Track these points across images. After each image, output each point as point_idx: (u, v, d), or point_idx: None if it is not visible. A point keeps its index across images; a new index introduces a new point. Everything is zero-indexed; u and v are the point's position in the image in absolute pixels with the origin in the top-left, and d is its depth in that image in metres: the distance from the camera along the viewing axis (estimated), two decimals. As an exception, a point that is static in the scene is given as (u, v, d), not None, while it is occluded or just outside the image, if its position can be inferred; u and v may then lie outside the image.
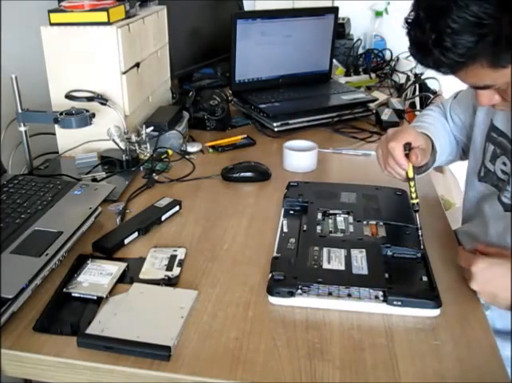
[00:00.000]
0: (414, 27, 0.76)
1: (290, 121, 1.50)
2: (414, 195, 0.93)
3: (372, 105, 1.63)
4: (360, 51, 2.17)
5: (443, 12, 0.70)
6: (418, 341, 0.74)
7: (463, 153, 1.17)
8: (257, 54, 1.64)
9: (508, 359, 0.73)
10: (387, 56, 2.07)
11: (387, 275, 0.83)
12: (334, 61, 1.88)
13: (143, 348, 0.70)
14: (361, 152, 1.36)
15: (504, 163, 0.98)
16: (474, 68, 0.74)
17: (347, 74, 1.94)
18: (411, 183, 0.94)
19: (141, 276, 0.87)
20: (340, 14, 1.82)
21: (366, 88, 1.87)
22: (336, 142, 1.44)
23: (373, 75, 1.96)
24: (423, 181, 1.18)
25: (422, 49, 0.75)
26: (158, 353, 0.70)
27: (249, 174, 1.21)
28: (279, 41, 1.67)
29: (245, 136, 1.45)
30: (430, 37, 0.72)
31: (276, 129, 1.48)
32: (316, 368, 0.69)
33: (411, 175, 0.95)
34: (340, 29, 2.10)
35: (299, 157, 1.27)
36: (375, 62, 2.07)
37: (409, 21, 0.77)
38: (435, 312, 0.78)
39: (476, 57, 0.72)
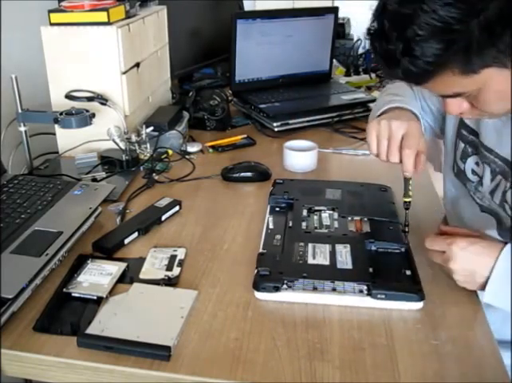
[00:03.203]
0: (379, 38, 0.72)
1: (290, 121, 1.50)
2: (409, 194, 0.93)
3: (372, 105, 1.63)
4: (360, 51, 2.16)
5: (409, 19, 0.67)
6: (418, 341, 0.74)
7: (425, 132, 1.12)
8: (258, 54, 1.64)
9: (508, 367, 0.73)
10: (388, 56, 2.07)
11: (371, 270, 0.84)
12: (334, 61, 1.88)
13: (143, 348, 0.70)
14: (361, 152, 1.36)
15: (477, 164, 0.97)
16: (445, 75, 0.71)
17: (347, 74, 1.94)
18: (410, 183, 0.93)
19: (141, 276, 0.87)
20: (340, 14, 1.82)
21: (366, 88, 1.87)
22: (336, 142, 1.44)
23: (373, 75, 1.96)
24: (423, 181, 1.18)
25: (389, 60, 0.72)
26: (158, 353, 0.70)
27: (249, 174, 1.21)
28: (279, 41, 1.67)
29: (245, 136, 1.45)
30: (397, 46, 0.69)
31: (276, 129, 1.48)
32: (316, 368, 0.69)
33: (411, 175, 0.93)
34: (340, 29, 2.10)
35: (299, 157, 1.27)
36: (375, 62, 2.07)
37: (372, 31, 0.74)
38: (419, 305, 0.80)
39: (447, 65, 0.69)
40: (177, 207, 1.07)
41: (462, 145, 1.00)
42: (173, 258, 0.91)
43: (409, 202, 0.93)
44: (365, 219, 0.99)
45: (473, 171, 0.98)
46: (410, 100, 1.06)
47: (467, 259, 0.80)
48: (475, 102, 0.78)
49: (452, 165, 1.05)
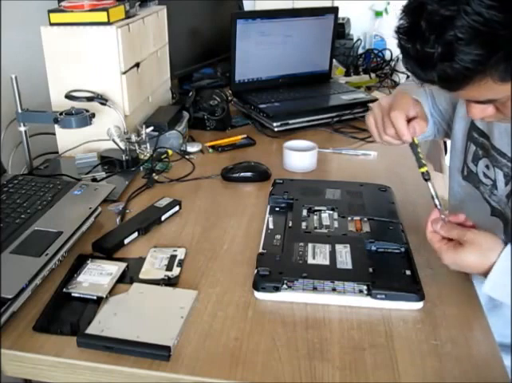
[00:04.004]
0: (412, 39, 0.67)
1: (290, 121, 1.50)
2: (423, 162, 0.87)
3: (371, 105, 1.62)
4: (360, 51, 2.17)
5: (450, 21, 0.62)
6: (418, 341, 0.74)
7: (438, 133, 1.13)
8: (258, 54, 1.64)
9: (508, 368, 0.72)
10: (387, 56, 2.07)
11: (371, 270, 0.84)
12: (334, 61, 1.88)
13: (143, 348, 0.70)
14: (361, 152, 1.36)
15: (487, 167, 0.95)
16: (482, 82, 0.66)
17: (347, 74, 1.94)
18: (419, 150, 0.88)
19: (141, 276, 0.87)
20: (340, 14, 1.82)
21: (366, 88, 1.87)
22: (336, 142, 1.44)
23: (373, 75, 1.96)
24: (423, 180, 1.18)
25: (423, 63, 0.67)
26: (158, 353, 0.70)
27: (249, 174, 1.21)
28: (279, 41, 1.67)
29: (245, 136, 1.45)
30: (436, 50, 0.64)
31: (276, 129, 1.48)
32: (316, 368, 0.69)
33: (416, 141, 0.89)
34: (340, 29, 2.10)
35: (299, 157, 1.27)
36: (375, 62, 2.07)
37: (403, 31, 0.69)
38: (419, 305, 0.80)
39: (486, 71, 0.64)
40: (177, 207, 1.07)
41: (473, 148, 0.98)
42: (173, 258, 0.91)
43: (427, 172, 0.87)
44: (365, 219, 0.99)
45: (484, 174, 0.96)
46: (418, 95, 1.03)
47: (460, 268, 0.81)
48: (502, 107, 0.74)
49: (461, 167, 1.02)
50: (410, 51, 0.68)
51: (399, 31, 0.69)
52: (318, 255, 0.88)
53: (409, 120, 0.89)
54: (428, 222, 0.84)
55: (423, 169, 0.87)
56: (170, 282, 0.85)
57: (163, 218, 1.04)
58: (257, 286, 0.82)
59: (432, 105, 1.09)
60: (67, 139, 1.31)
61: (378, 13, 2.34)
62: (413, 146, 0.89)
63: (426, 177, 0.87)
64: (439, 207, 0.85)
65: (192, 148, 1.37)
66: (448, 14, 0.62)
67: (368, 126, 0.97)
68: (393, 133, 0.91)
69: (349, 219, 0.99)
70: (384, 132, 0.93)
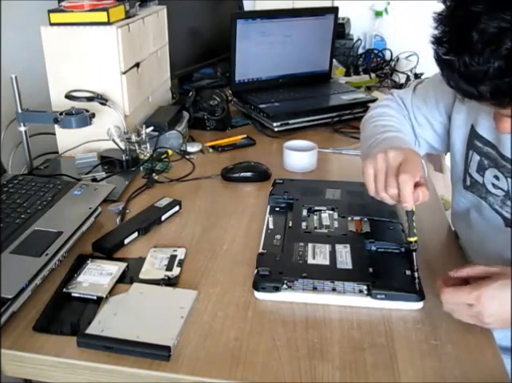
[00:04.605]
0: (459, 51, 0.61)
1: (290, 121, 1.50)
2: (415, 232, 0.83)
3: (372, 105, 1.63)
4: (360, 51, 2.17)
5: (505, 33, 0.57)
6: (418, 341, 0.74)
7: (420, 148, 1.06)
8: (257, 54, 1.64)
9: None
10: (387, 56, 2.07)
11: (371, 270, 0.84)
12: (334, 61, 1.88)
13: (143, 348, 0.70)
14: (361, 152, 1.36)
15: (496, 177, 0.90)
16: None
17: (347, 74, 1.94)
18: (413, 219, 0.82)
19: (141, 276, 0.87)
20: (340, 14, 1.82)
21: (366, 88, 1.87)
22: (336, 142, 1.45)
23: (373, 75, 1.96)
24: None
25: (475, 78, 0.62)
26: (158, 353, 0.70)
27: (249, 174, 1.21)
28: (279, 41, 1.67)
29: (245, 136, 1.45)
30: (492, 64, 0.59)
31: (276, 129, 1.48)
32: (316, 368, 0.69)
33: (415, 209, 0.82)
34: (340, 29, 2.10)
35: (299, 157, 1.27)
36: (375, 62, 2.07)
37: (442, 41, 0.64)
38: (419, 305, 0.80)
39: None
40: (177, 207, 1.07)
41: (477, 158, 0.92)
42: (173, 258, 0.91)
43: (415, 242, 0.83)
44: (365, 219, 0.98)
45: (494, 185, 0.90)
46: (405, 132, 0.99)
47: (496, 312, 0.71)
48: None
49: (463, 177, 0.98)
50: (454, 64, 0.63)
51: (438, 41, 0.65)
52: (318, 255, 0.88)
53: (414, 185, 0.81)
54: (441, 284, 0.76)
55: (413, 239, 0.83)
56: (170, 282, 0.85)
57: (163, 218, 1.04)
58: (258, 286, 0.82)
59: (419, 124, 1.04)
60: (67, 139, 1.31)
61: (378, 13, 2.34)
62: (410, 213, 0.83)
63: (413, 247, 0.83)
64: (417, 280, 0.82)
65: (192, 148, 1.37)
66: (504, 26, 0.58)
67: (364, 176, 0.85)
68: (395, 195, 0.81)
69: (349, 219, 0.99)
70: (383, 190, 0.83)
